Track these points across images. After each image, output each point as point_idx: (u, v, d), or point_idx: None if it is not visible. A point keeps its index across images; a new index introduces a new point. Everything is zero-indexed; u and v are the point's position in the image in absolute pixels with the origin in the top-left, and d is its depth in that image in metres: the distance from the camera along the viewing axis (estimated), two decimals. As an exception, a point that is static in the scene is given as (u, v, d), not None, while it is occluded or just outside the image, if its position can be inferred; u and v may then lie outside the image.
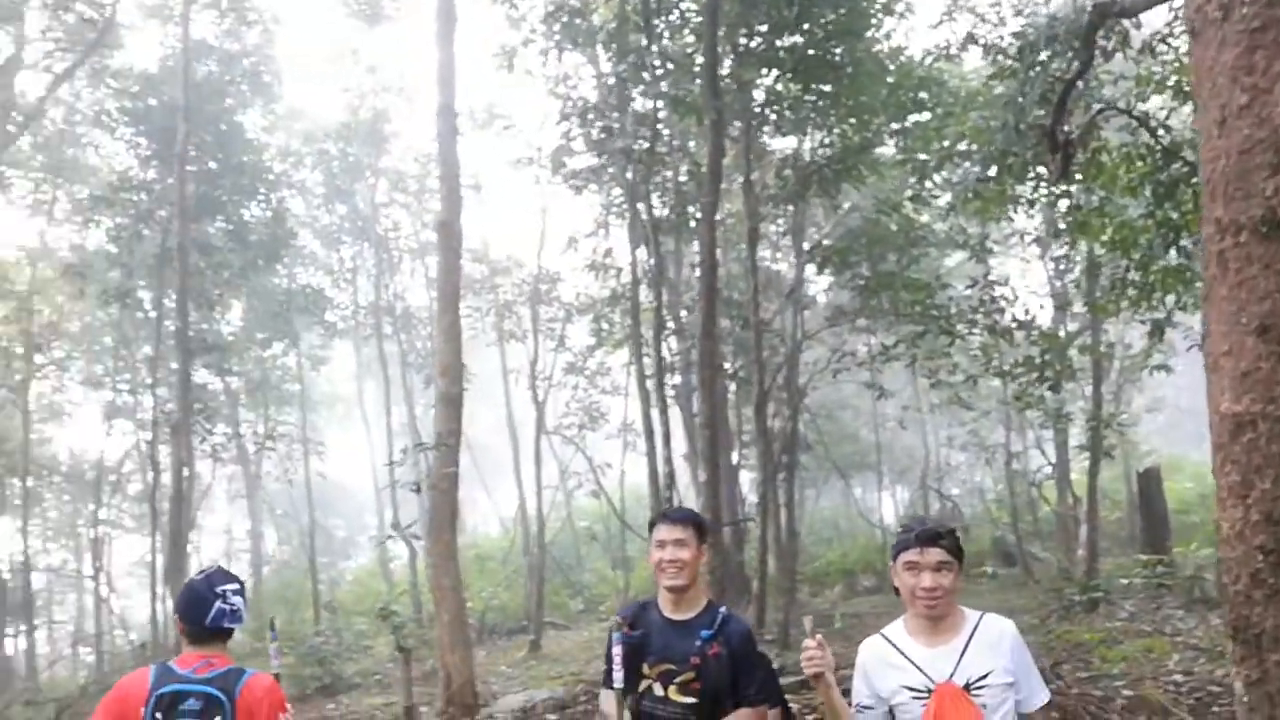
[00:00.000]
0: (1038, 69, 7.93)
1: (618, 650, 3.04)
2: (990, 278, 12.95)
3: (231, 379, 21.11)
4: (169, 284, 15.24)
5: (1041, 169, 9.23)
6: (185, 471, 14.46)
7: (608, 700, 3.14)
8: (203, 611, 2.79)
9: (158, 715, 2.67)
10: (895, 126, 12.09)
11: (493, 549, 23.99)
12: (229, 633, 2.87)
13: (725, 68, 11.08)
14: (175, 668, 2.76)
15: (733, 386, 15.28)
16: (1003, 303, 12.41)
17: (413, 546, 17.06)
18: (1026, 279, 17.73)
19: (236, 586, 2.88)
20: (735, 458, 15.91)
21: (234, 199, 16.84)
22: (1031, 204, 11.16)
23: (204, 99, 16.08)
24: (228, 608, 2.81)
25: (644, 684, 3.11)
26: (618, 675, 3.05)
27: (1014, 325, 12.12)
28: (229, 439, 21.05)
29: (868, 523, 22.28)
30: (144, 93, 16.37)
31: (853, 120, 11.83)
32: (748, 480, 17.66)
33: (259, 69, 17.82)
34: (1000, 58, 8.96)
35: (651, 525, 3.23)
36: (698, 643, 3.04)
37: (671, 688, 3.06)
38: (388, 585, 22.06)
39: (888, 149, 12.86)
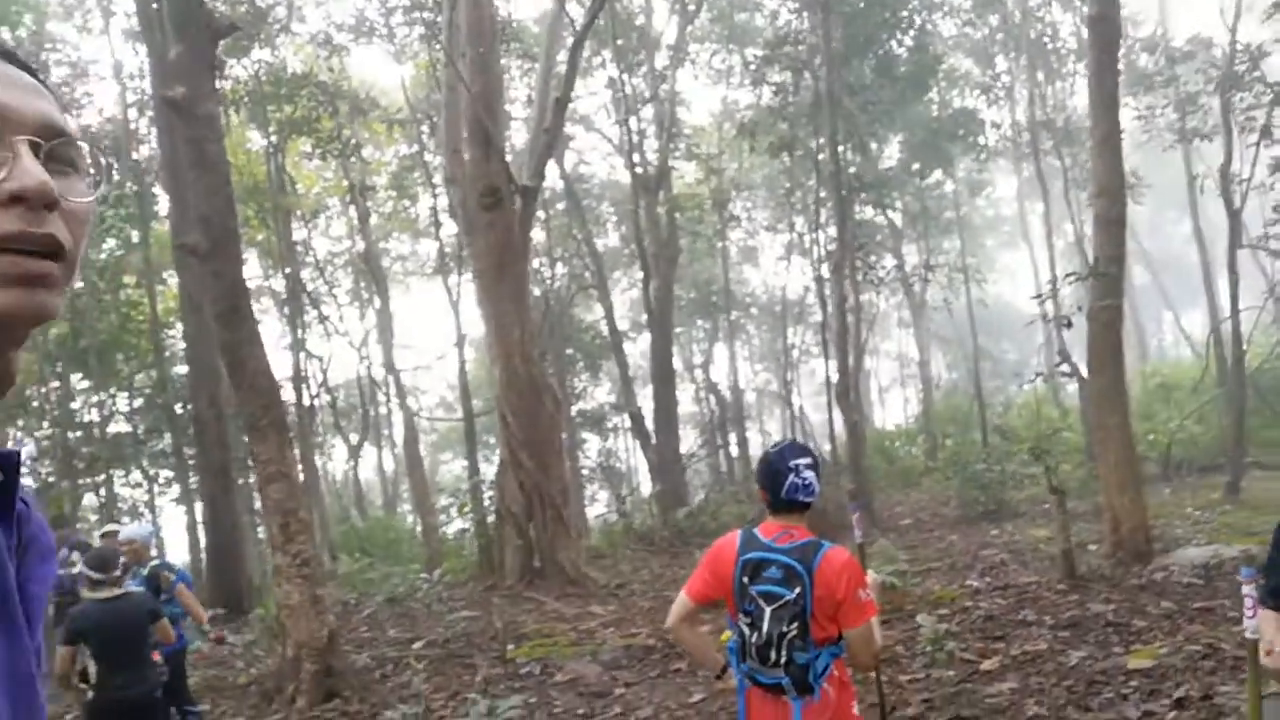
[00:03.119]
0: None
1: None
2: None
3: (893, 213, 21.88)
4: (825, 129, 16.10)
5: None
6: (850, 302, 15.57)
7: (1269, 620, 2.61)
8: (778, 484, 2.89)
9: (744, 579, 2.88)
10: None
11: (1181, 377, 21.45)
12: (806, 505, 2.93)
13: None
14: (759, 535, 2.93)
15: None
16: None
17: (1081, 375, 16.11)
18: None
19: (809, 460, 2.92)
20: None
21: (879, 35, 16.90)
22: None
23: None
24: (800, 481, 2.87)
25: None
26: None
27: None
28: (891, 271, 22.03)
29: None
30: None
31: None
32: None
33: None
34: None
35: None
36: None
37: None
38: (1059, 411, 21.34)
39: None
